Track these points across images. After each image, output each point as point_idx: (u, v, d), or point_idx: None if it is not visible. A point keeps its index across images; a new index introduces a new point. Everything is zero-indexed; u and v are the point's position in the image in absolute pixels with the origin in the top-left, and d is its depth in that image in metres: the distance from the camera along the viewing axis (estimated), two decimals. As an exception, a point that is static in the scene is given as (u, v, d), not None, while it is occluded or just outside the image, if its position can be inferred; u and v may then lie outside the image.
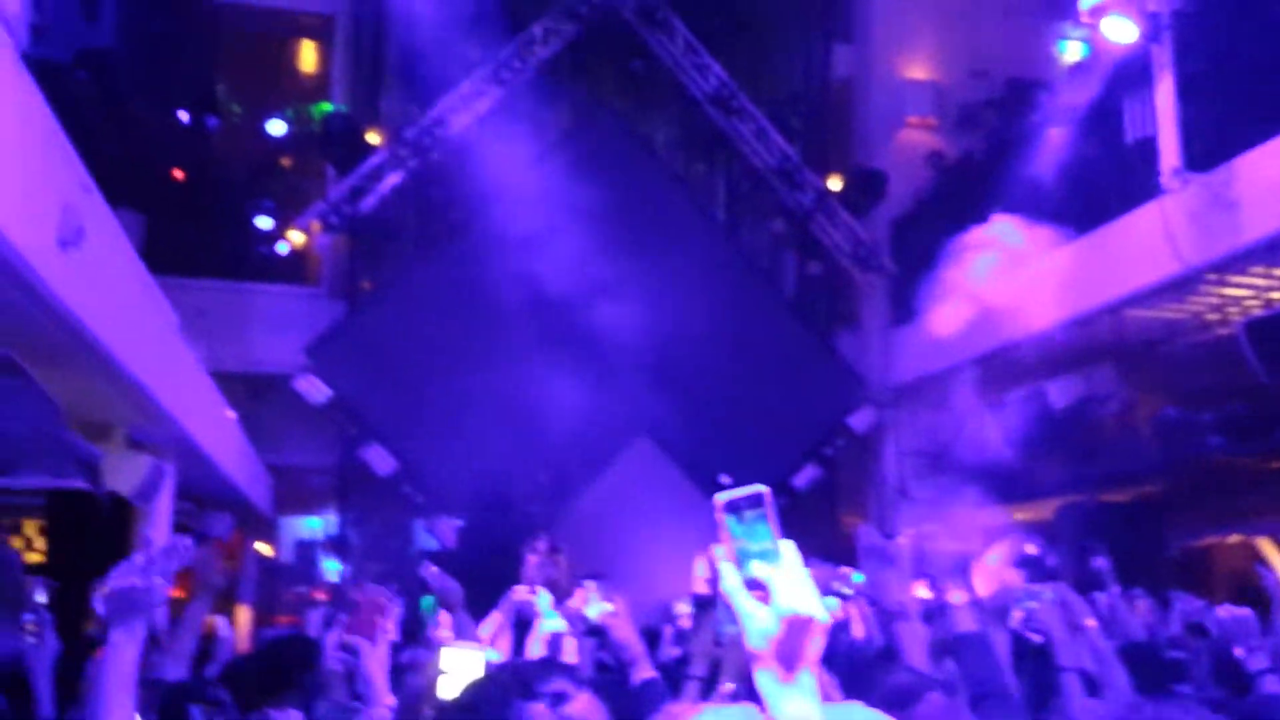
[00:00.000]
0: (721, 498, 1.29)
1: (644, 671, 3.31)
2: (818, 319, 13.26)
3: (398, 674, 4.30)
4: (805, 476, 12.20)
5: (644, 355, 11.01)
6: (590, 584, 4.55)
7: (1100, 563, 6.23)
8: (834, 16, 14.17)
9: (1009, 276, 10.04)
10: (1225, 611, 4.18)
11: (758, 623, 1.25)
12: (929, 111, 13.55)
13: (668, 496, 10.95)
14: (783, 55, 13.98)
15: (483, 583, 5.87)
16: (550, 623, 5.13)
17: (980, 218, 10.03)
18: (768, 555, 1.28)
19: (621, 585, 5.63)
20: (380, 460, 11.04)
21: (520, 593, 5.36)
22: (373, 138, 12.75)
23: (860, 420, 12.44)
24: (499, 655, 4.72)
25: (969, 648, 2.96)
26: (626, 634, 3.43)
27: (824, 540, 11.05)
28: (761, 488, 1.32)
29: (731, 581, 1.27)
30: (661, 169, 12.86)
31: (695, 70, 13.06)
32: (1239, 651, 4.01)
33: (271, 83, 15.21)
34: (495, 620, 4.97)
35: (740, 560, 1.28)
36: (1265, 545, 8.78)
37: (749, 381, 11.57)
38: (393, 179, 12.30)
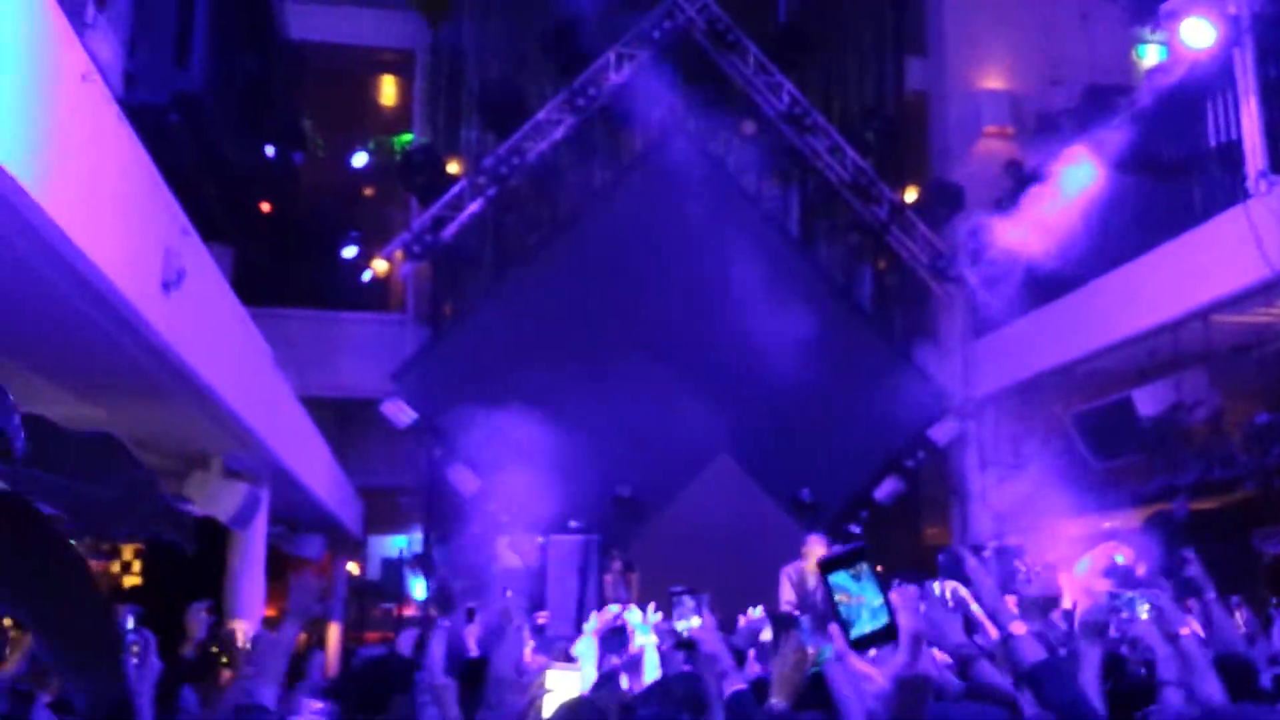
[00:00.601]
0: (821, 553, 1.28)
1: (734, 684, 3.34)
2: (896, 331, 13.21)
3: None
4: (886, 489, 12.14)
5: (723, 373, 11.09)
6: (686, 599, 4.59)
7: (1193, 569, 6.11)
8: (906, 29, 14.17)
9: (1089, 285, 9.94)
10: None
11: (873, 686, 1.25)
12: (1006, 120, 13.44)
13: (748, 513, 10.98)
14: (855, 70, 13.98)
15: (564, 599, 6.00)
16: (641, 638, 5.20)
17: (1059, 227, 9.93)
18: (876, 613, 1.25)
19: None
20: (464, 480, 11.28)
21: (610, 611, 5.45)
22: (453, 167, 13.07)
23: (941, 432, 12.33)
24: (593, 674, 4.81)
25: (1045, 676, 2.81)
26: (716, 647, 3.47)
27: (905, 553, 10.97)
28: (859, 539, 1.30)
29: (840, 644, 1.25)
30: (734, 186, 12.93)
31: (768, 89, 13.16)
32: None
33: (355, 117, 15.66)
34: (589, 640, 5.07)
35: (848, 617, 1.25)
36: None
37: (828, 396, 11.55)
38: (472, 207, 12.58)
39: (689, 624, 4.92)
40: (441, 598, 10.99)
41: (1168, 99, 9.56)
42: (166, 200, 5.11)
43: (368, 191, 15.26)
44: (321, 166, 15.30)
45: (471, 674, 5.03)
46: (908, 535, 12.00)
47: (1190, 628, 4.11)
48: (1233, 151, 8.73)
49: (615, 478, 10.82)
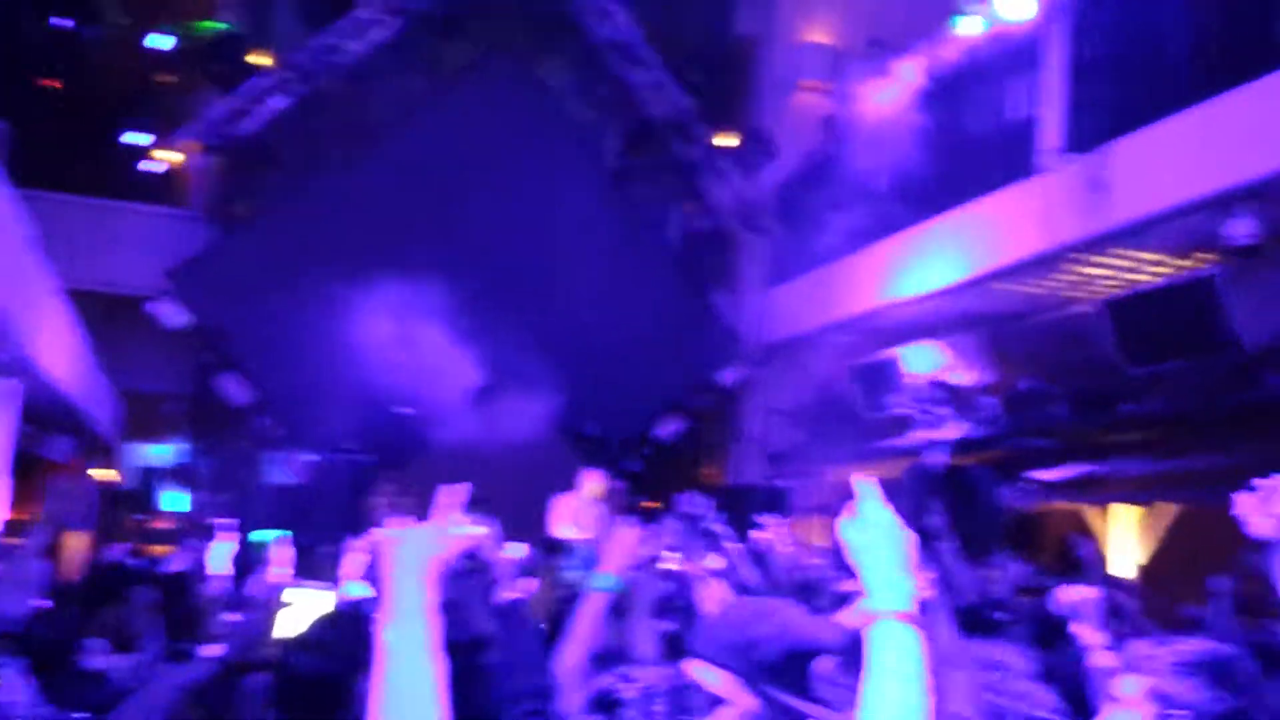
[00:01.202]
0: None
1: (510, 592, 3.28)
2: (699, 275, 13.27)
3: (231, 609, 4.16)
4: (669, 427, 12.26)
5: (520, 297, 10.90)
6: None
7: (935, 519, 6.33)
8: (739, -28, 14.11)
9: (882, 244, 10.16)
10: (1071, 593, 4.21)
11: None
12: (825, 76, 13.55)
13: (532, 442, 10.89)
14: (687, 7, 13.85)
15: (334, 521, 5.78)
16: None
17: (863, 185, 10.10)
18: None
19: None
20: (236, 390, 10.78)
21: (369, 537, 5.30)
22: (260, 60, 12.31)
23: (730, 375, 12.52)
24: (366, 590, 4.61)
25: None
26: (496, 556, 3.39)
27: (683, 489, 11.10)
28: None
29: None
30: (556, 112, 12.66)
31: (598, 15, 12.86)
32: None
33: (160, -2, 14.61)
34: (357, 558, 4.89)
35: None
36: (1092, 514, 9.11)
37: (625, 331, 11.53)
38: (277, 103, 11.90)
39: (470, 531, 4.79)
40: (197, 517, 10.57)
41: (977, 67, 9.76)
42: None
43: (166, 78, 14.29)
44: (118, 46, 14.26)
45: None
46: (686, 474, 12.13)
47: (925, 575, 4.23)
48: (1031, 126, 8.98)
49: (399, 399, 10.52)
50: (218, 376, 10.87)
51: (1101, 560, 7.14)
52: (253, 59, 12.09)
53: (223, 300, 10.72)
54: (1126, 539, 9.04)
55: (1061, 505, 9.03)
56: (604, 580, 2.88)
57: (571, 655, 2.66)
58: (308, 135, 12.40)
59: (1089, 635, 3.91)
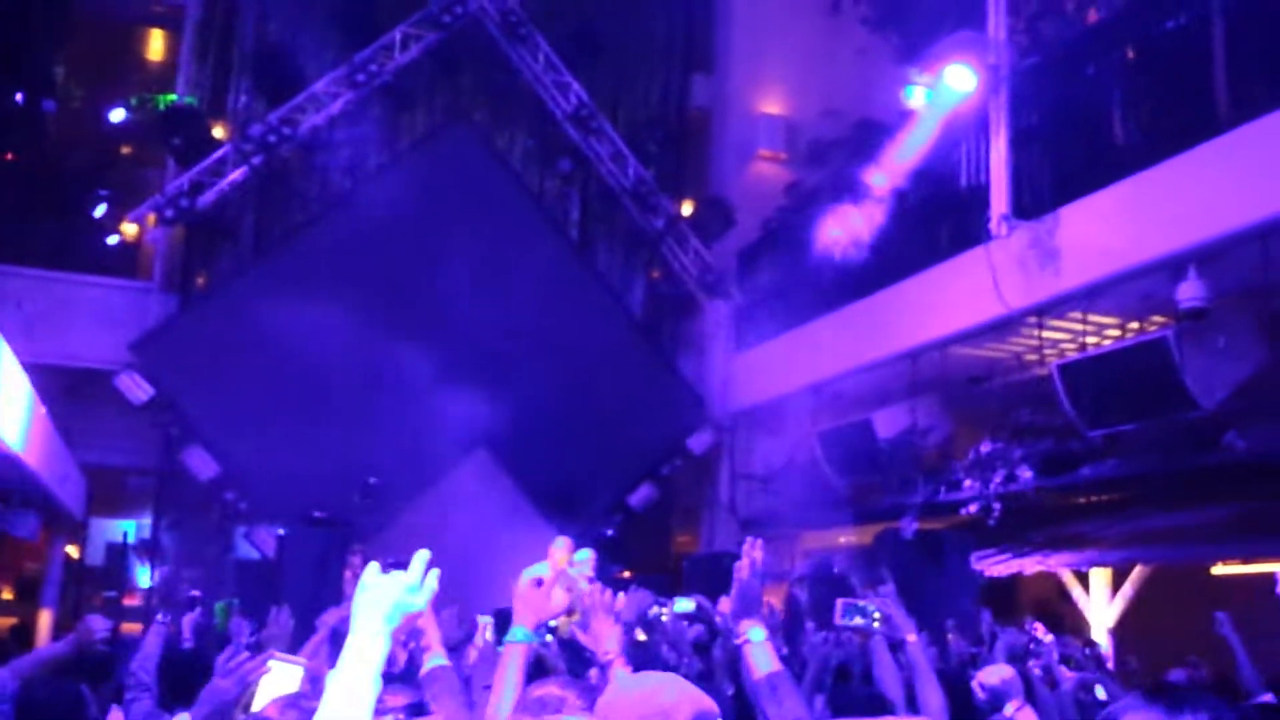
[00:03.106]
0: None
1: (433, 660, 3.21)
2: (663, 341, 13.42)
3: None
4: (641, 495, 12.29)
5: (486, 367, 10.90)
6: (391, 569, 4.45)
7: (887, 590, 6.39)
8: (696, 46, 14.45)
9: (843, 310, 10.35)
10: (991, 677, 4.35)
11: None
12: (781, 146, 13.88)
13: (503, 512, 10.86)
14: (643, 81, 14.14)
15: (302, 594, 5.73)
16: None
17: (821, 253, 10.32)
18: None
19: (448, 601, 5.56)
20: (202, 464, 10.62)
21: (335, 612, 5.27)
22: (218, 132, 12.34)
23: (698, 442, 12.60)
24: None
25: (774, 692, 2.68)
26: (426, 624, 3.32)
27: (656, 559, 11.13)
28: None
29: None
30: (516, 182, 12.78)
31: (556, 88, 13.12)
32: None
33: (116, 70, 14.63)
34: (317, 637, 4.86)
35: None
36: (1069, 577, 9.23)
37: (592, 399, 11.57)
38: (235, 175, 11.91)
39: None
40: (166, 591, 10.36)
41: (928, 138, 10.04)
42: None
43: (125, 150, 14.26)
44: (76, 118, 14.23)
45: (184, 666, 4.74)
46: (659, 541, 12.18)
47: (916, 635, 4.29)
48: (980, 194, 9.23)
49: (367, 468, 10.45)
50: (183, 450, 10.72)
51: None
52: (211, 132, 12.11)
53: (186, 373, 10.60)
54: (1101, 600, 9.17)
55: (1036, 569, 9.16)
56: (519, 633, 2.97)
57: (497, 707, 2.73)
58: (265, 206, 12.42)
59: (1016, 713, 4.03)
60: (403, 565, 1.92)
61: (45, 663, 4.45)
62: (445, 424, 10.17)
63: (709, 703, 1.95)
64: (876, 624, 4.39)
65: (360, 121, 12.59)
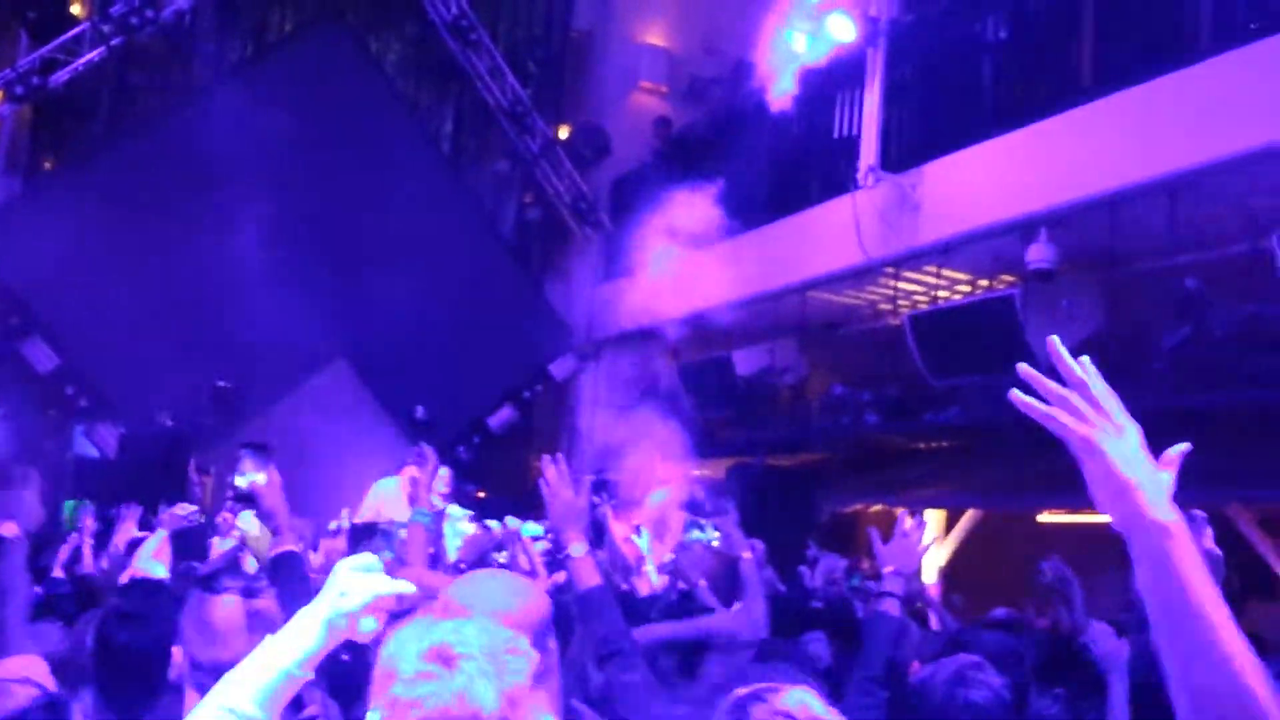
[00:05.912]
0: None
1: (283, 545, 3.21)
2: (532, 265, 13.36)
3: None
4: (501, 417, 12.32)
5: (349, 277, 10.70)
6: (247, 454, 4.46)
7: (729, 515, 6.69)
8: (581, -34, 14.21)
9: (711, 248, 10.50)
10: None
11: None
12: (661, 78, 13.83)
13: (359, 422, 10.75)
14: (525, -3, 13.84)
15: (142, 496, 5.60)
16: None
17: (694, 189, 10.40)
18: None
19: (298, 510, 5.54)
20: (41, 356, 10.11)
21: (184, 508, 5.25)
22: (76, 9, 11.59)
23: (561, 368, 12.68)
24: (163, 570, 4.54)
25: (591, 605, 2.82)
26: (276, 503, 3.30)
27: (513, 479, 11.18)
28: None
29: None
30: (389, 88, 12.44)
31: (436, -6, 12.73)
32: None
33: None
34: (158, 537, 4.82)
35: None
36: (903, 515, 9.72)
37: (456, 318, 11.47)
38: (92, 55, 11.23)
39: (251, 478, 4.83)
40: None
41: (804, 86, 10.18)
42: None
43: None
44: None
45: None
46: (516, 464, 12.21)
47: (751, 553, 4.65)
48: (850, 145, 9.45)
49: (218, 371, 10.15)
50: (20, 340, 10.18)
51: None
52: (69, 8, 11.39)
53: (28, 259, 9.96)
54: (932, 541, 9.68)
55: (875, 507, 9.60)
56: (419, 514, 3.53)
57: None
58: (121, 92, 11.78)
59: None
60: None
61: None
62: (305, 332, 9.92)
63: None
64: (715, 542, 4.84)
65: (228, 11, 12.01)
